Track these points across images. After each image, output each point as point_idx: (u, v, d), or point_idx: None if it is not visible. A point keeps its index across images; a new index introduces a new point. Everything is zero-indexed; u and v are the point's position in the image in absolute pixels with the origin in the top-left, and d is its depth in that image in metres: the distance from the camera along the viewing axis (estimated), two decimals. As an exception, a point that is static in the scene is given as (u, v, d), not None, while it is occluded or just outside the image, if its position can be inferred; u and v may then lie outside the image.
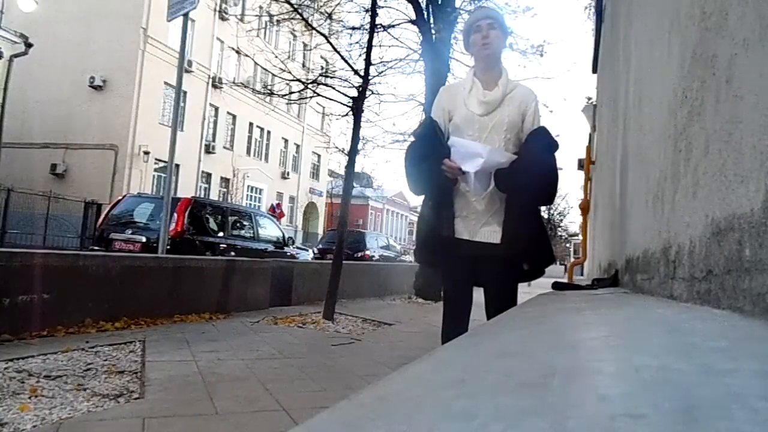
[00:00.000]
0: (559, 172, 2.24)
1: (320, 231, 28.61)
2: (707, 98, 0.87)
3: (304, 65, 14.68)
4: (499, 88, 2.04)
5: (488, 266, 2.00)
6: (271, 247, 9.16)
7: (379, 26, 7.38)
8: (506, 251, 1.94)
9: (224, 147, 22.90)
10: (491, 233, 1.99)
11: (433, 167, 2.01)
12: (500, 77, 2.07)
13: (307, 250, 16.28)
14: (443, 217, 2.04)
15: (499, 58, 2.12)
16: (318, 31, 6.43)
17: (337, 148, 11.43)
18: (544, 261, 2.08)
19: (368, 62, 5.87)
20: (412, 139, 2.41)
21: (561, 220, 41.99)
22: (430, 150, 2.06)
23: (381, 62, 7.91)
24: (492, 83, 2.06)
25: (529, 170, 1.93)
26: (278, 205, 22.16)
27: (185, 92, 18.80)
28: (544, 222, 2.17)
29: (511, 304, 1.96)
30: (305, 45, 21.19)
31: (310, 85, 6.52)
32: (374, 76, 6.71)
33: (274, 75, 9.51)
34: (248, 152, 24.63)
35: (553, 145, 2.05)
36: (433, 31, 8.27)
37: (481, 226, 2.01)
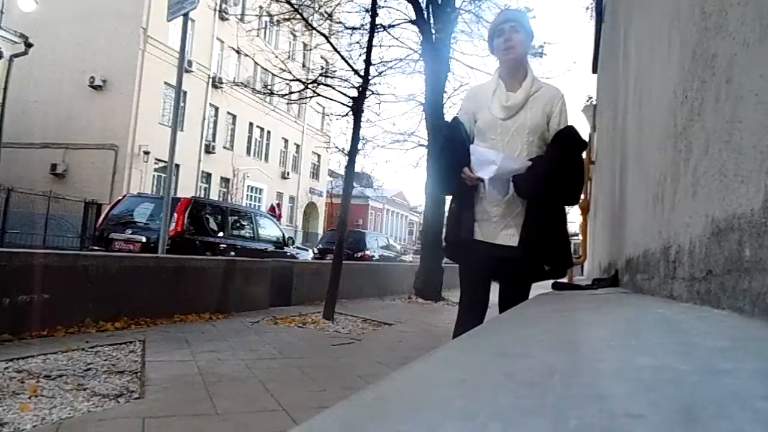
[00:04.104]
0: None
1: (320, 231, 28.61)
2: (707, 98, 0.87)
3: (304, 65, 14.69)
4: (523, 90, 2.04)
5: (505, 266, 2.05)
6: (271, 247, 9.16)
7: (379, 26, 7.38)
8: (523, 254, 1.98)
9: (224, 147, 22.90)
10: (510, 236, 2.02)
11: (454, 171, 2.04)
12: (524, 79, 2.07)
13: (307, 250, 16.28)
14: (463, 220, 2.09)
15: (524, 60, 2.13)
16: (318, 31, 6.44)
17: (337, 148, 11.43)
18: (562, 264, 2.11)
19: (368, 62, 5.87)
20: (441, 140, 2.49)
21: (561, 220, 41.93)
22: (454, 152, 2.09)
23: (381, 62, 7.93)
24: (516, 85, 2.07)
25: (550, 175, 1.94)
26: (278, 205, 22.15)
27: (185, 92, 18.80)
28: (566, 223, 2.21)
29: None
30: (305, 45, 21.20)
31: (310, 85, 6.52)
32: (374, 76, 6.71)
33: (274, 75, 9.52)
34: (248, 152, 24.62)
35: (579, 145, 2.04)
36: (433, 31, 8.27)
37: (500, 229, 2.04)
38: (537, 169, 1.95)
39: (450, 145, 2.16)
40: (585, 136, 2.11)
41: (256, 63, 19.56)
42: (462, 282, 2.24)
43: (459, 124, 2.15)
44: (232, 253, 7.63)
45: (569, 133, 2.02)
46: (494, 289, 2.20)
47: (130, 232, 7.38)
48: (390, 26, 8.53)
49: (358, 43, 8.26)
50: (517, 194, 1.99)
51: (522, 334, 0.91)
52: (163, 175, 16.10)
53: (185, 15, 6.45)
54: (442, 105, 8.71)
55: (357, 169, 7.52)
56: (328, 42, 6.26)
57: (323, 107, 19.15)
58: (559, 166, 1.96)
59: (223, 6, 20.36)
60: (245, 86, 12.85)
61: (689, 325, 0.71)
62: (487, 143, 2.05)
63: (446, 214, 3.02)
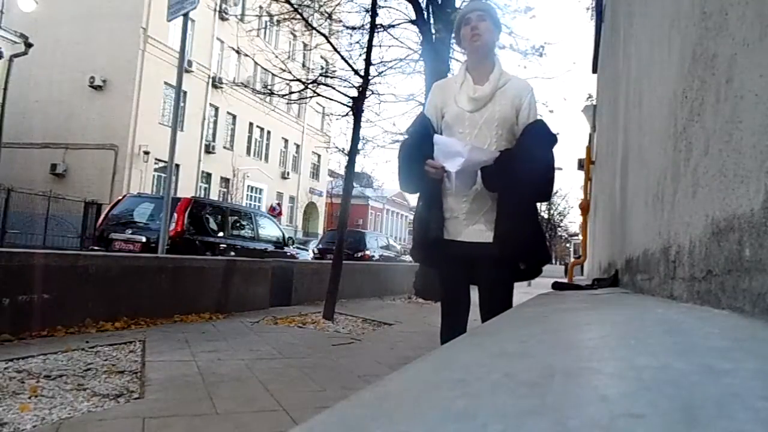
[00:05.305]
0: (557, 166, 2.14)
1: (320, 231, 28.62)
2: (707, 98, 0.86)
3: (304, 65, 14.68)
4: (490, 83, 1.98)
5: (481, 266, 1.96)
6: (271, 247, 9.16)
7: (379, 26, 7.39)
8: (498, 251, 1.89)
9: (224, 147, 22.91)
10: (481, 233, 1.93)
11: (420, 168, 1.95)
12: (492, 71, 2.00)
13: (307, 250, 16.26)
14: (432, 218, 1.99)
15: (491, 51, 2.06)
16: (318, 31, 6.44)
17: (337, 148, 11.45)
18: (539, 260, 2.02)
19: (368, 62, 5.87)
20: (405, 136, 2.37)
21: (561, 220, 42.06)
22: (421, 148, 2.00)
23: (381, 62, 7.93)
24: (483, 78, 2.00)
25: (519, 168, 1.85)
26: (278, 205, 22.16)
27: (185, 92, 18.80)
28: (541, 220, 2.11)
29: (503, 304, 1.93)
30: (305, 45, 21.19)
31: (310, 85, 6.53)
32: (374, 76, 6.72)
33: (274, 75, 9.51)
34: (248, 152, 24.63)
35: (549, 139, 1.96)
36: (433, 31, 8.28)
37: (470, 225, 1.96)
38: (506, 162, 1.87)
39: (415, 141, 2.06)
40: (555, 130, 2.02)
41: (256, 63, 19.54)
42: (442, 286, 2.15)
43: (425, 120, 2.07)
44: (232, 253, 7.63)
45: (539, 126, 1.95)
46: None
47: (130, 232, 7.38)
48: (390, 26, 8.54)
49: (358, 43, 8.28)
50: (485, 187, 1.91)
51: (522, 334, 0.91)
52: (163, 175, 16.11)
53: (185, 15, 6.45)
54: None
55: (357, 169, 7.53)
56: (328, 42, 6.26)
57: (323, 107, 19.18)
58: (528, 159, 1.88)
59: (223, 6, 20.37)
60: (245, 86, 12.87)
61: (689, 325, 0.71)
62: (456, 137, 1.97)
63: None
